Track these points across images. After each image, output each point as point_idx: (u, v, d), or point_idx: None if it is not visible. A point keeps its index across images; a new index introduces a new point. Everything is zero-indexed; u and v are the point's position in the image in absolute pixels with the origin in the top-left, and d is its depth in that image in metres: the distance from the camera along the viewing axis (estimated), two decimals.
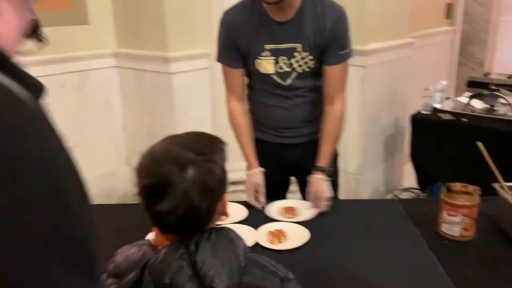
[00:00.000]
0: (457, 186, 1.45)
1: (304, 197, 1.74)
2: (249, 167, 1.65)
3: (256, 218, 1.54)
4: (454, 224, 1.42)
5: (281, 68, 1.56)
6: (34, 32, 0.52)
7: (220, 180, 0.84)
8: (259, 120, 1.71)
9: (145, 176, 0.81)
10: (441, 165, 2.68)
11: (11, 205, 0.35)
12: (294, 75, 1.57)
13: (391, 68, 3.01)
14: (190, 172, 0.78)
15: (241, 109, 1.66)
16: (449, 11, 4.14)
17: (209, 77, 2.68)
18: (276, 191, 1.68)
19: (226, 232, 0.83)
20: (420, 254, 1.35)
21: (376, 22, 2.79)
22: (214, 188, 0.82)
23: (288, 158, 1.68)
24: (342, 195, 2.49)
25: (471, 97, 2.81)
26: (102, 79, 2.89)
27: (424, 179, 2.87)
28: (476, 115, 2.67)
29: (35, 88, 0.37)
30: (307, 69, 1.56)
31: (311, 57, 1.54)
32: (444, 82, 3.03)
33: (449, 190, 1.43)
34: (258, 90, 1.66)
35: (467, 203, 1.40)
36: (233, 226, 1.18)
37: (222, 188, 0.86)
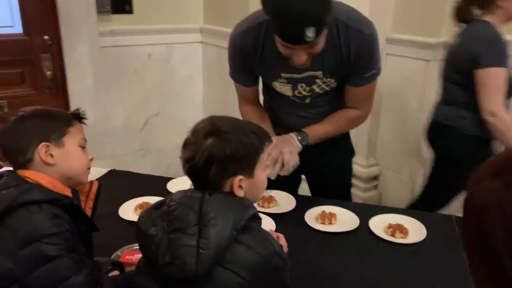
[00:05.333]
0: None
1: (312, 194, 1.76)
2: None
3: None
4: None
5: (299, 93, 1.49)
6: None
7: (227, 158, 0.90)
8: (278, 121, 1.64)
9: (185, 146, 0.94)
10: None
11: None
12: (314, 95, 1.51)
13: None
14: (210, 140, 0.90)
15: (252, 108, 1.64)
16: None
17: None
18: (287, 187, 1.63)
19: (242, 198, 0.92)
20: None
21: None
22: (222, 161, 0.89)
23: (302, 155, 1.57)
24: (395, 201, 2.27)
25: None
26: (187, 54, 2.89)
27: None
28: None
29: None
30: (329, 89, 1.49)
31: (333, 80, 1.46)
32: None
33: None
34: (277, 99, 1.59)
35: None
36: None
37: (231, 167, 0.91)
